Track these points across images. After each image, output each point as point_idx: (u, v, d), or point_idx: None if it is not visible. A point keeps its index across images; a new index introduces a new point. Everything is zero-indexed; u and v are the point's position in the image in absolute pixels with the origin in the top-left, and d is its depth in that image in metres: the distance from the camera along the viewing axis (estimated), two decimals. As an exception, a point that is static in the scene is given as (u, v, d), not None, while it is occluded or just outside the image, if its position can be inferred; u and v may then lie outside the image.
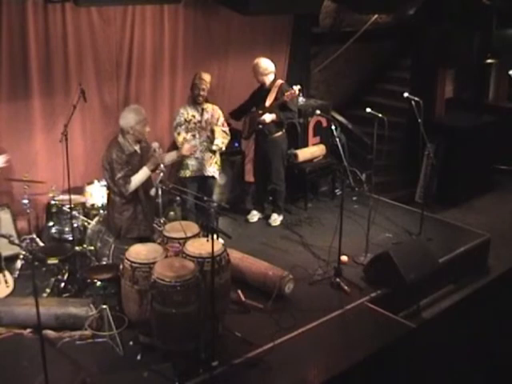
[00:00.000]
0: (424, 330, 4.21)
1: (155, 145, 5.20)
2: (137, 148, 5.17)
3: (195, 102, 6.27)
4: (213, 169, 6.39)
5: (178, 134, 6.31)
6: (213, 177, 6.44)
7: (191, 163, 6.34)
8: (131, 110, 5.14)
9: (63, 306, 5.02)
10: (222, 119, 6.38)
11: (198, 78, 6.21)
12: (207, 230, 4.55)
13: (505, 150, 8.82)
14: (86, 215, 6.14)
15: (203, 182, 6.41)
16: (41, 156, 6.35)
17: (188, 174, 6.38)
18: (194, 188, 6.24)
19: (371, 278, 5.88)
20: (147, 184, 5.25)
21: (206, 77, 6.21)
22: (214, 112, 6.34)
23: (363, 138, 8.40)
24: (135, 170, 5.09)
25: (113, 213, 5.24)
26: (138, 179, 5.09)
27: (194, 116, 6.29)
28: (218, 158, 6.45)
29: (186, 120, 6.29)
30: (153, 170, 5.16)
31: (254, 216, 7.18)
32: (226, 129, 6.43)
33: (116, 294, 5.03)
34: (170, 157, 5.65)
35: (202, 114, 6.28)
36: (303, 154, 7.61)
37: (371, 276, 5.90)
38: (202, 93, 6.21)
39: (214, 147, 6.29)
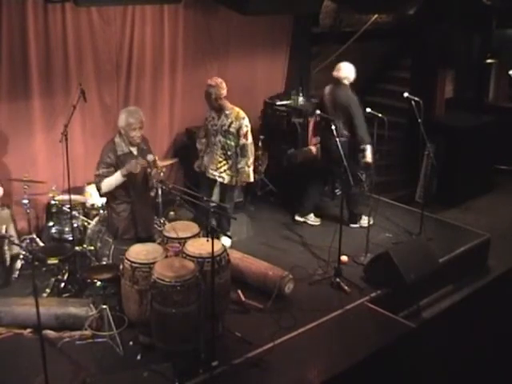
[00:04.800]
0: (424, 330, 4.21)
1: (150, 157, 5.06)
2: (133, 149, 5.13)
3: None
4: (218, 173, 6.23)
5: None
6: (222, 183, 6.29)
7: (200, 156, 6.38)
8: (125, 111, 5.12)
9: (63, 306, 5.02)
10: (244, 129, 6.09)
11: (204, 93, 6.13)
12: (211, 230, 4.51)
13: (505, 150, 8.81)
14: (86, 215, 6.14)
15: (213, 182, 6.35)
16: (41, 156, 6.35)
17: (196, 165, 6.44)
18: (205, 183, 6.23)
19: (371, 278, 5.88)
20: (145, 185, 5.22)
21: (210, 89, 6.02)
22: (235, 120, 6.08)
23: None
24: None
25: (111, 213, 5.25)
26: (109, 182, 5.02)
27: (213, 118, 6.21)
28: (230, 165, 6.20)
29: (206, 119, 6.28)
30: (125, 176, 5.06)
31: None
32: (246, 141, 6.11)
33: (116, 294, 5.03)
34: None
35: (219, 118, 6.16)
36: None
37: (371, 276, 5.90)
38: (210, 106, 6.13)
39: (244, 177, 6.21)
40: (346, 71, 6.71)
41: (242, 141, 6.12)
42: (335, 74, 6.74)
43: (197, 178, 6.66)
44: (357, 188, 6.85)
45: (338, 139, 5.92)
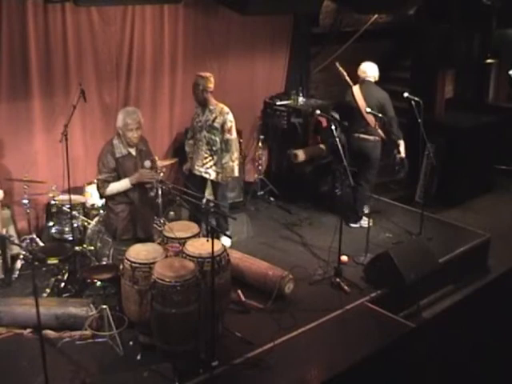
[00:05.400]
0: (424, 330, 4.20)
1: (147, 164, 5.07)
2: (132, 150, 5.12)
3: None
4: (205, 169, 6.24)
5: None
6: (213, 182, 6.29)
7: (189, 157, 6.39)
8: (123, 112, 5.12)
9: (63, 305, 5.02)
10: (228, 124, 6.08)
11: (192, 85, 6.17)
12: (211, 229, 4.51)
13: (505, 150, 8.81)
14: (86, 215, 6.14)
15: (203, 182, 6.35)
16: (41, 156, 6.35)
17: (184, 168, 6.45)
18: (195, 185, 6.20)
19: (371, 278, 5.88)
20: (143, 186, 5.21)
21: (199, 80, 6.06)
22: (219, 115, 6.09)
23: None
24: (128, 173, 5.07)
25: (109, 213, 5.25)
26: (116, 188, 5.04)
27: (198, 115, 6.24)
28: (216, 161, 6.19)
29: (193, 118, 6.30)
30: (134, 185, 5.08)
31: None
32: (230, 136, 6.09)
33: (116, 293, 5.03)
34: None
35: (203, 114, 6.19)
36: (303, 153, 7.61)
37: (371, 276, 5.90)
38: (196, 98, 6.16)
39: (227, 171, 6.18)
40: (373, 70, 6.81)
41: (226, 136, 6.11)
42: (363, 75, 6.81)
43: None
44: (368, 188, 6.89)
45: (337, 139, 5.92)
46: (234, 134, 6.16)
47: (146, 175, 5.05)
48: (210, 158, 6.21)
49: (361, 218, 6.98)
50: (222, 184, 6.31)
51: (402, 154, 6.82)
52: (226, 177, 6.22)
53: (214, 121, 6.10)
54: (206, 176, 6.26)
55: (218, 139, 6.12)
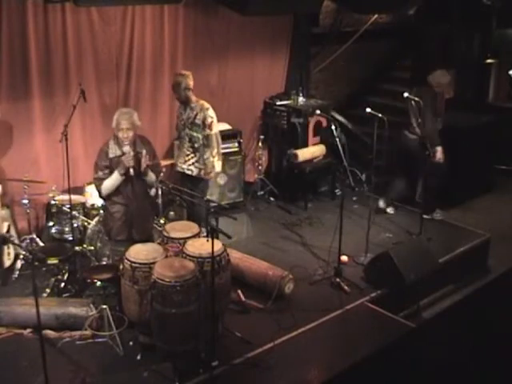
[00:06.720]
0: (424, 330, 4.21)
1: (126, 149, 5.09)
2: (126, 152, 5.12)
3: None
4: (187, 166, 6.23)
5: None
6: (193, 176, 6.24)
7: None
8: (117, 112, 5.15)
9: (63, 305, 5.03)
10: (209, 120, 6.08)
11: (172, 84, 6.17)
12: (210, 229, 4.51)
13: (505, 150, 8.81)
14: (86, 215, 6.14)
15: (187, 178, 6.30)
16: (41, 156, 6.35)
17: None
18: (185, 182, 6.19)
19: (371, 278, 5.88)
20: (141, 187, 5.21)
21: (180, 78, 6.06)
22: (199, 111, 6.10)
23: (363, 138, 8.41)
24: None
25: (106, 212, 5.28)
26: (108, 183, 5.08)
27: (181, 113, 6.25)
28: (198, 158, 6.17)
29: (177, 117, 6.32)
30: (124, 174, 5.07)
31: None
32: (211, 132, 6.08)
33: (116, 293, 5.03)
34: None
35: (185, 112, 6.18)
36: (303, 153, 7.61)
37: (371, 276, 5.90)
38: (178, 97, 6.17)
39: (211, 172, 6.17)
40: (432, 74, 7.07)
41: (207, 131, 6.10)
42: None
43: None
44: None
45: (337, 139, 5.92)
46: (215, 130, 6.16)
47: (125, 159, 5.05)
48: (193, 155, 6.20)
49: (434, 209, 7.22)
50: (205, 180, 6.27)
51: (439, 160, 6.98)
52: (207, 173, 6.22)
53: (195, 118, 6.12)
54: (189, 172, 6.25)
55: (200, 136, 6.12)
